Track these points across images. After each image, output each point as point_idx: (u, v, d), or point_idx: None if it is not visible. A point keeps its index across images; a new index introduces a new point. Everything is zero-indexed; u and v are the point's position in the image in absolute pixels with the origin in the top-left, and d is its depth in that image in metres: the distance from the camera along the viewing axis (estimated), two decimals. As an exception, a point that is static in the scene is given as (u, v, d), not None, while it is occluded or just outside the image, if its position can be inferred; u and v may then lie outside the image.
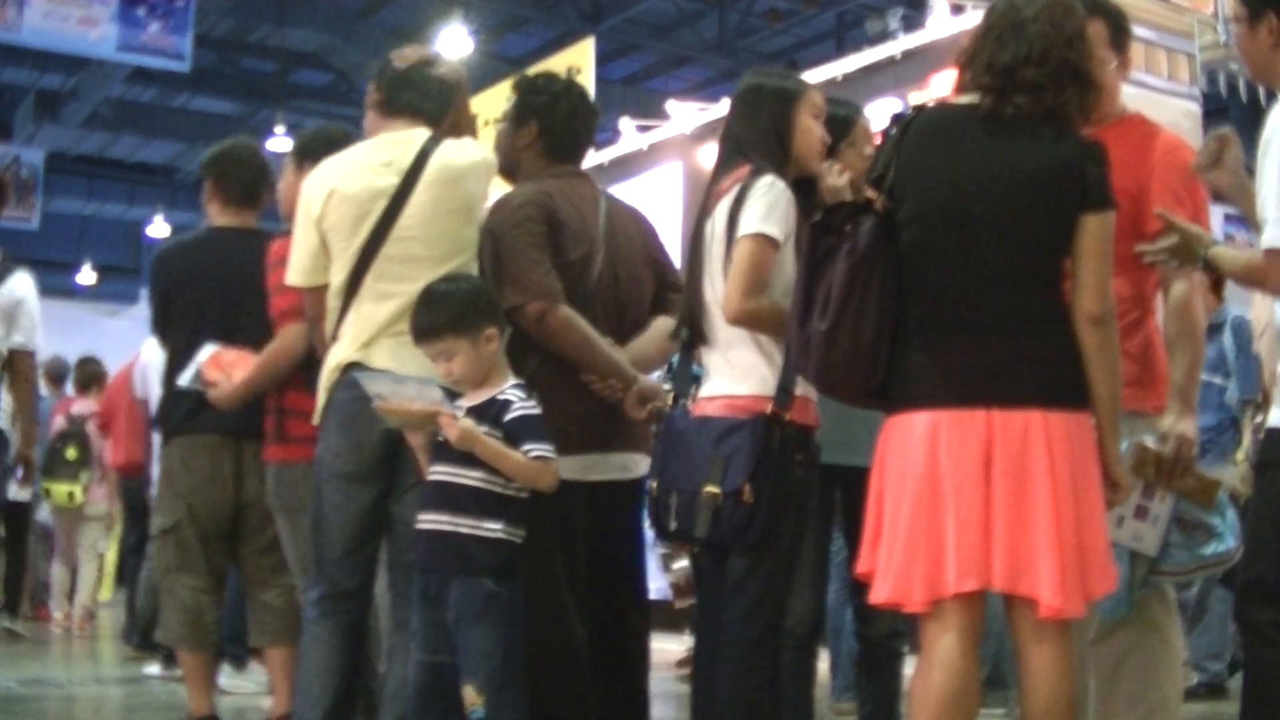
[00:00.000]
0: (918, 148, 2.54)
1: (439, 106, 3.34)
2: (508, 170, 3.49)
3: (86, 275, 21.33)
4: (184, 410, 3.99)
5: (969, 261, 2.49)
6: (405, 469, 3.18)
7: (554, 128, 3.41)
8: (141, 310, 22.16)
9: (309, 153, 3.72)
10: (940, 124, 2.57)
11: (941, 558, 2.41)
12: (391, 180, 3.18)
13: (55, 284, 20.98)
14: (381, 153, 3.26)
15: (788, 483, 2.84)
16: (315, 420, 3.28)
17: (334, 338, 3.24)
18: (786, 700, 3.08)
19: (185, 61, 13.36)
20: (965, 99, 2.58)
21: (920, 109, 2.62)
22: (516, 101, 3.47)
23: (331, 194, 3.21)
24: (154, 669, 6.20)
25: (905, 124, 2.55)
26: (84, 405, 8.44)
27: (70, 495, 8.20)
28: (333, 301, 3.25)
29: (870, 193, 2.54)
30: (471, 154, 3.29)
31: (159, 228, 20.72)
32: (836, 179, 3.17)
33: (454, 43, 14.57)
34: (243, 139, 4.46)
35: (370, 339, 3.17)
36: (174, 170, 20.84)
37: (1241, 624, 2.77)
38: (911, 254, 2.50)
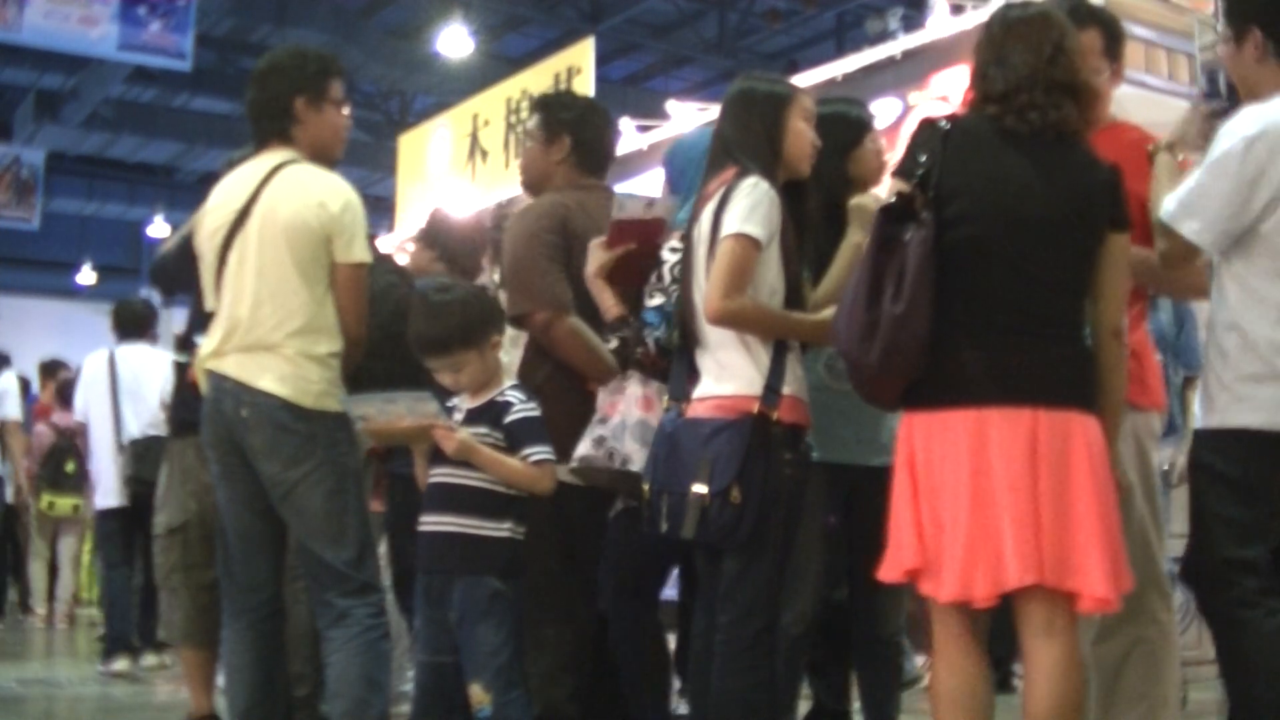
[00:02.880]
0: (965, 151, 2.59)
1: (283, 123, 3.41)
2: (536, 186, 3.58)
3: (86, 275, 21.34)
4: (195, 410, 4.01)
5: (1021, 263, 2.54)
6: (263, 475, 3.25)
7: (586, 141, 3.54)
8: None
9: None
10: (980, 131, 2.62)
11: (1002, 553, 2.45)
12: (242, 199, 3.32)
13: (55, 284, 21.11)
14: (244, 174, 3.40)
15: (777, 482, 2.84)
16: None
17: None
18: (780, 698, 3.09)
19: (186, 60, 13.37)
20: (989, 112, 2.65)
21: (955, 117, 2.68)
22: (545, 118, 3.56)
23: (203, 216, 3.42)
24: (122, 665, 6.39)
25: (946, 129, 2.60)
26: (64, 418, 8.42)
27: (75, 508, 8.50)
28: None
29: (912, 189, 2.56)
30: (309, 183, 3.33)
31: (159, 228, 20.71)
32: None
33: (454, 43, 14.58)
34: None
35: (218, 349, 3.31)
36: (174, 170, 20.85)
37: (1215, 622, 2.83)
38: (961, 252, 2.54)
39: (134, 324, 6.70)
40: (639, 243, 3.21)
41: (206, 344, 3.35)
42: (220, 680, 4.80)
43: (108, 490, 6.52)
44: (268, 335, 3.25)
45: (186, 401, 4.18)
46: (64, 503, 8.42)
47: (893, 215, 2.57)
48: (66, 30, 12.72)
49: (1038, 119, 2.57)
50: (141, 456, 6.15)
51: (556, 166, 3.52)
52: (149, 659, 6.62)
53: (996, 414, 2.48)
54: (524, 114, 11.02)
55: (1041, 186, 2.56)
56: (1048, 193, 2.56)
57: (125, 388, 6.49)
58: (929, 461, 2.54)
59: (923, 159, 2.57)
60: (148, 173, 20.76)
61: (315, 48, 3.77)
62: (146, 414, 6.38)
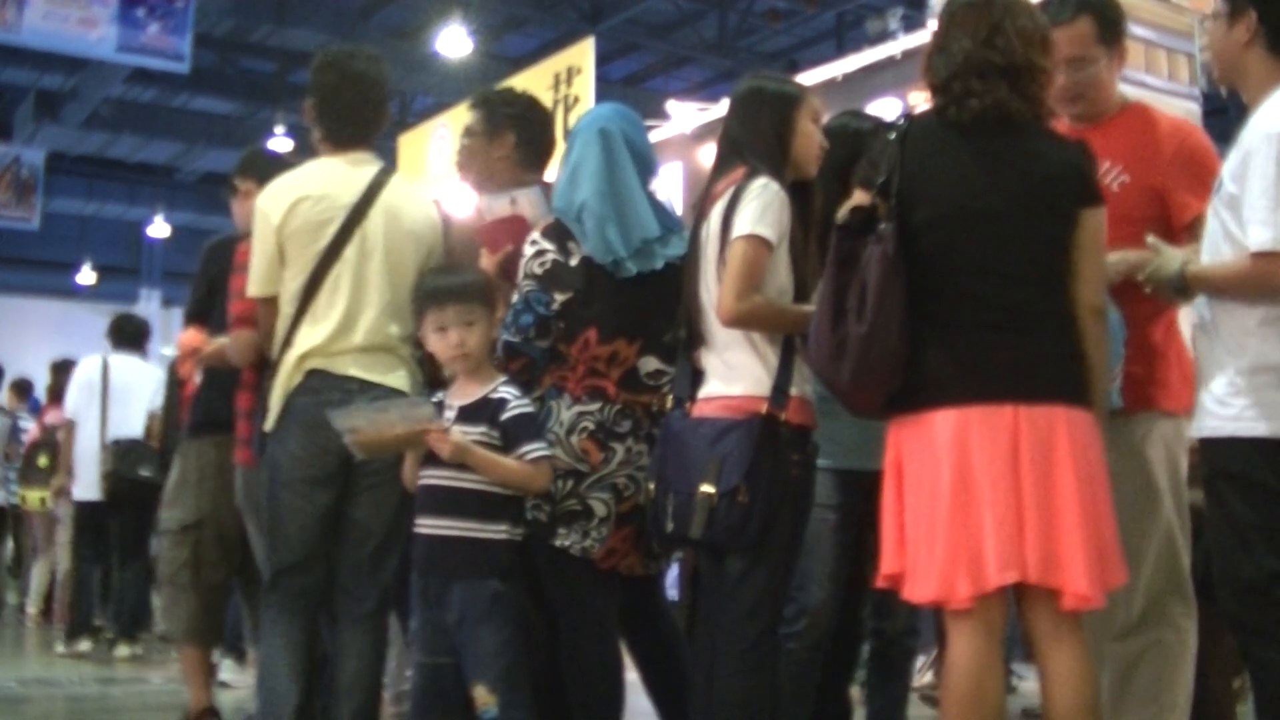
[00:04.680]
0: (922, 153, 2.57)
1: (378, 127, 3.51)
2: (477, 182, 3.56)
3: (86, 275, 21.33)
4: (219, 409, 4.01)
5: (990, 260, 2.52)
6: (361, 471, 3.26)
7: (530, 138, 3.54)
8: (141, 310, 22.13)
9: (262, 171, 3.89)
10: (935, 131, 2.61)
11: (982, 553, 2.43)
12: (354, 193, 3.32)
13: (55, 284, 21.08)
14: (341, 172, 3.39)
15: (784, 483, 2.84)
16: (269, 424, 3.33)
17: (288, 342, 3.30)
18: (785, 702, 3.08)
19: (185, 62, 13.35)
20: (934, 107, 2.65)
21: (911, 117, 2.66)
22: (487, 114, 3.55)
23: (298, 201, 3.31)
24: (84, 646, 7.16)
25: (903, 132, 2.58)
26: (55, 415, 8.62)
27: (43, 500, 8.62)
28: (286, 307, 3.32)
29: (873, 199, 2.55)
30: (419, 195, 3.53)
31: (159, 228, 20.73)
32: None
33: (454, 43, 14.57)
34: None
35: (326, 347, 3.26)
36: (174, 170, 20.83)
37: (1246, 632, 2.72)
38: (931, 256, 2.52)
39: (130, 336, 7.45)
40: (514, 242, 3.24)
41: (308, 339, 3.27)
42: (222, 676, 4.82)
43: (88, 484, 7.09)
44: (390, 338, 3.31)
45: (207, 402, 4.19)
46: (33, 495, 8.59)
47: (850, 230, 2.55)
48: (66, 32, 12.70)
49: (976, 105, 2.54)
50: (123, 456, 6.81)
51: (499, 162, 3.51)
52: (121, 649, 7.14)
53: (976, 413, 2.47)
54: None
55: (1000, 179, 2.54)
56: (1007, 185, 2.54)
57: (115, 394, 7.10)
58: (912, 464, 2.54)
59: (883, 168, 2.56)
60: (148, 173, 20.73)
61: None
62: (131, 418, 7.01)
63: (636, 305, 3.12)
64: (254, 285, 3.38)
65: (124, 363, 7.28)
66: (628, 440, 3.09)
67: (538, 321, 3.06)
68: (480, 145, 3.54)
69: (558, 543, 3.07)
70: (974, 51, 2.56)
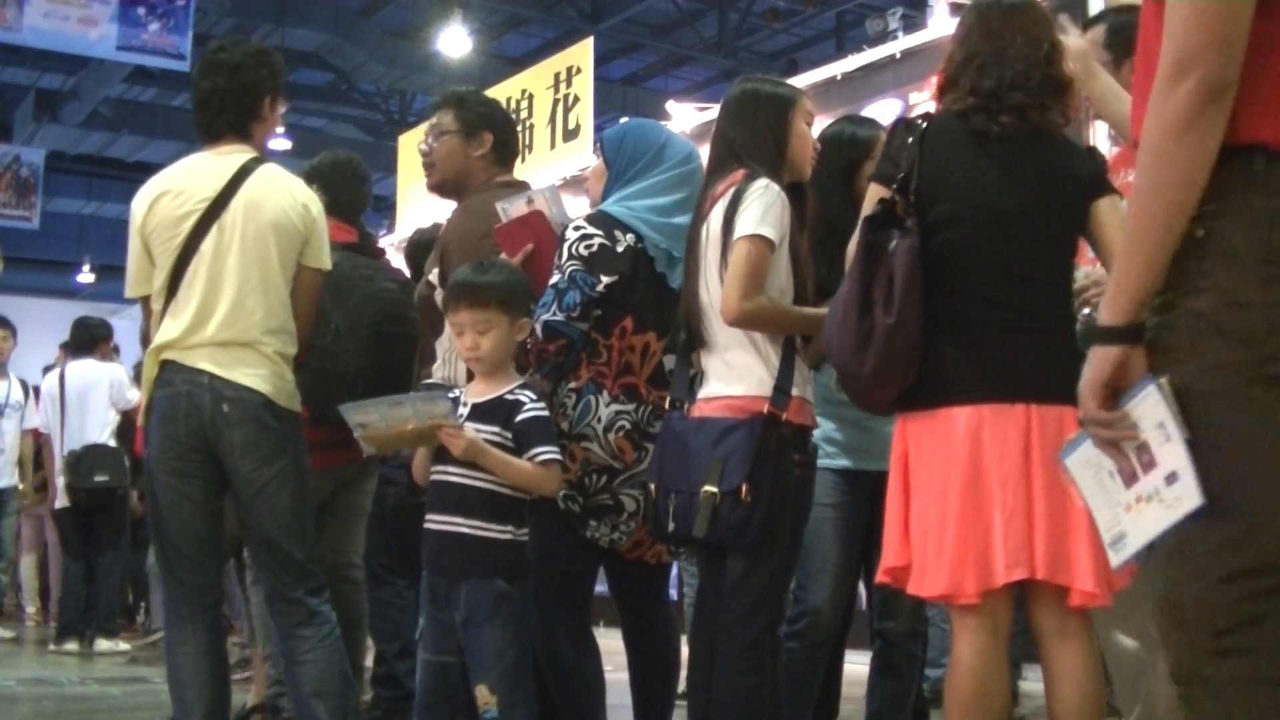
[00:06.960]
0: (941, 152, 2.58)
1: (249, 118, 3.43)
2: (454, 182, 3.56)
3: (86, 275, 21.34)
4: None
5: (1004, 260, 2.54)
6: (240, 481, 3.24)
7: (505, 139, 3.58)
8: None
9: None
10: (955, 131, 2.61)
11: (990, 549, 2.45)
12: (215, 187, 3.28)
13: (55, 284, 21.09)
14: (204, 164, 3.36)
15: (786, 482, 2.84)
16: (140, 420, 3.37)
17: (154, 337, 3.30)
18: (787, 702, 3.08)
19: (185, 61, 13.35)
20: (957, 109, 2.63)
21: (929, 116, 2.66)
22: (462, 114, 3.56)
23: (158, 198, 3.30)
24: (71, 645, 7.47)
25: (921, 131, 2.59)
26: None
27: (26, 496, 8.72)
28: (154, 304, 3.32)
29: (892, 195, 2.56)
30: (290, 184, 3.39)
31: (159, 227, 20.70)
32: None
33: (454, 43, 14.58)
34: None
35: (182, 340, 3.23)
36: (174, 170, 20.83)
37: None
38: (946, 254, 2.54)
39: (85, 342, 7.64)
40: (535, 239, 3.25)
41: (165, 333, 3.26)
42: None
43: (57, 493, 7.56)
44: (247, 331, 3.25)
45: None
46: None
47: (876, 223, 2.56)
48: (66, 31, 12.71)
49: (1010, 121, 2.55)
50: (75, 466, 7.27)
51: (477, 161, 3.53)
52: (101, 644, 7.47)
53: (989, 411, 2.49)
54: (524, 114, 11.01)
55: (1017, 182, 2.56)
56: (1024, 188, 2.56)
57: (71, 402, 7.39)
58: (920, 461, 2.55)
59: (900, 164, 2.57)
60: (147, 172, 20.33)
61: (269, 46, 3.76)
62: (89, 425, 7.33)
63: (666, 303, 3.15)
64: (127, 287, 3.38)
65: (80, 369, 7.49)
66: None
67: (583, 301, 3.07)
68: (458, 144, 3.54)
69: (588, 534, 3.13)
70: (1038, 65, 2.57)
